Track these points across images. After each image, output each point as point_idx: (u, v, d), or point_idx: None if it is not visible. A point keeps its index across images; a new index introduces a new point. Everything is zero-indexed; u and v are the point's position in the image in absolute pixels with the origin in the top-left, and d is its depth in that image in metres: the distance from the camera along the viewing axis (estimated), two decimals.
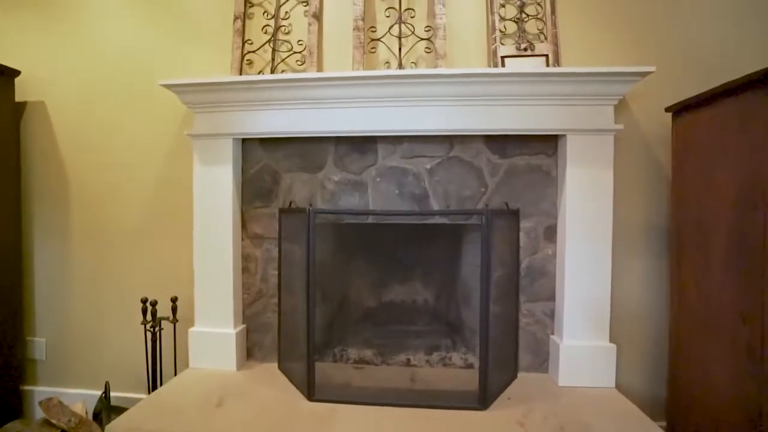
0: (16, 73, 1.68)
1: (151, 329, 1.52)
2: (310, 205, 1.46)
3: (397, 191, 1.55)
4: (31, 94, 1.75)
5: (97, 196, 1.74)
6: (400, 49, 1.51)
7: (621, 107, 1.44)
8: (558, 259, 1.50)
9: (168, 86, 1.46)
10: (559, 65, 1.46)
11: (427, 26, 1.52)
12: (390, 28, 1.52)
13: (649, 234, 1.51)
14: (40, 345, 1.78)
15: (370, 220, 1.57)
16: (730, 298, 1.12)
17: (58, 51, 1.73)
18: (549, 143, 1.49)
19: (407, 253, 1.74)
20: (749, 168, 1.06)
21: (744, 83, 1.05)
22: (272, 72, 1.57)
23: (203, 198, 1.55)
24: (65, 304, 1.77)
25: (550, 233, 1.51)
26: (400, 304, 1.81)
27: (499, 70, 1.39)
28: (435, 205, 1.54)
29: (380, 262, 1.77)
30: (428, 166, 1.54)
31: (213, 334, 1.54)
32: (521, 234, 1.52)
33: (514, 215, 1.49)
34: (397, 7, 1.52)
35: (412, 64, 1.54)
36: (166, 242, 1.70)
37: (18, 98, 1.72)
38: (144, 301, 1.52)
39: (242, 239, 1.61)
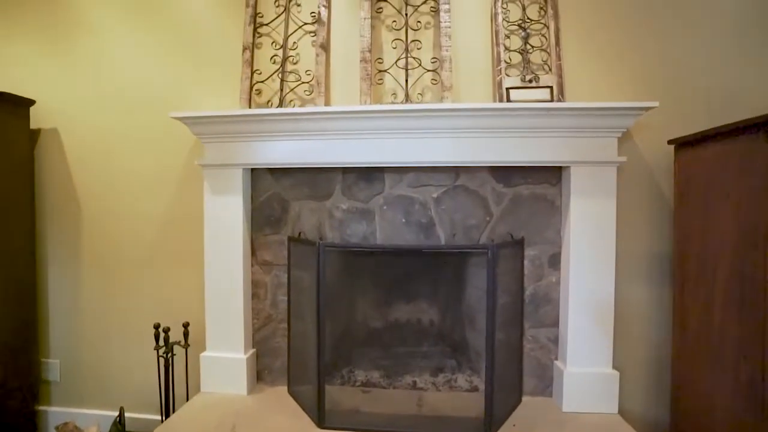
0: (31, 102, 1.72)
1: (164, 355, 1.56)
2: (321, 238, 1.50)
3: (403, 219, 1.58)
4: (45, 121, 1.79)
5: (110, 222, 1.77)
6: (406, 80, 1.54)
7: (624, 137, 1.46)
8: (562, 286, 1.53)
9: (179, 118, 1.49)
10: (563, 97, 1.48)
11: (433, 58, 1.55)
12: (396, 60, 1.55)
13: (653, 262, 1.54)
14: (54, 366, 1.83)
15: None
16: (731, 334, 1.15)
17: (71, 79, 1.77)
18: (553, 173, 1.52)
19: (413, 277, 1.77)
20: (750, 208, 1.09)
21: (746, 126, 1.08)
22: (281, 102, 1.60)
23: (214, 226, 1.59)
24: (79, 326, 1.81)
25: (554, 261, 1.54)
26: (406, 326, 1.84)
27: (506, 105, 1.42)
28: (441, 233, 1.57)
29: (386, 285, 1.80)
30: (434, 195, 1.57)
31: (224, 359, 1.58)
32: (526, 262, 1.55)
33: (518, 244, 1.52)
34: (404, 38, 1.55)
35: (419, 95, 1.57)
36: (177, 268, 1.73)
37: (32, 125, 1.76)
38: (156, 327, 1.56)
39: (252, 265, 1.65)
